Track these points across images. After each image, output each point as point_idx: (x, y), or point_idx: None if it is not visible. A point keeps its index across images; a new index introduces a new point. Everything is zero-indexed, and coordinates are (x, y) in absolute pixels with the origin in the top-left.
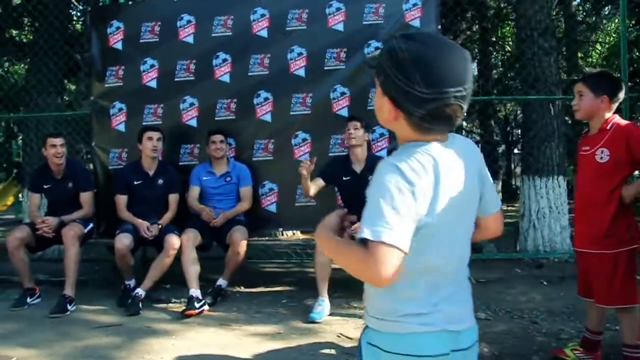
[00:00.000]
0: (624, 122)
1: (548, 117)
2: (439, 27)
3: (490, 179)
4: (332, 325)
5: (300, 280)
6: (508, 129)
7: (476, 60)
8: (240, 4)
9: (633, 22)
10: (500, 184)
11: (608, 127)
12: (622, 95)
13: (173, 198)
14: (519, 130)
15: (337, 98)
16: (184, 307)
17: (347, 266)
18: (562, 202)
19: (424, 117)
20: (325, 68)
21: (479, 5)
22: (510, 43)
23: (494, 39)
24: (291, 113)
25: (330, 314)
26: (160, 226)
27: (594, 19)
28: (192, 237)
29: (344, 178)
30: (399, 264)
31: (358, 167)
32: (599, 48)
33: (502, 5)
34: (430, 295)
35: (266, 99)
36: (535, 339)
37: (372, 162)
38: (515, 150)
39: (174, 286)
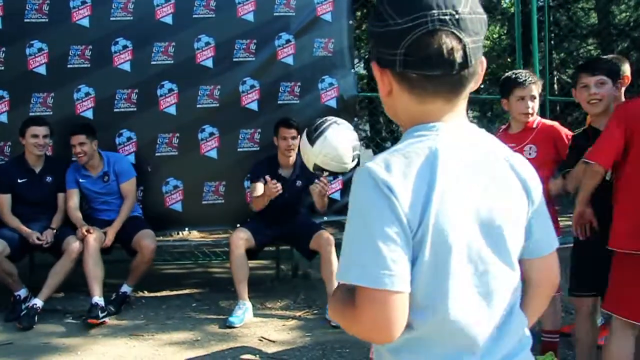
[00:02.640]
0: (548, 121)
1: None
2: (351, 22)
3: (545, 207)
4: (250, 327)
5: (206, 281)
6: (393, 126)
7: None
8: None
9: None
10: None
11: (534, 126)
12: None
13: (62, 197)
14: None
15: (246, 91)
16: (84, 318)
17: (344, 326)
18: None
19: (408, 62)
20: (234, 59)
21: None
22: None
23: None
24: (198, 106)
25: None
26: (54, 231)
27: None
28: (98, 237)
29: None
30: (406, 311)
31: (286, 172)
32: None
33: None
34: None
35: (170, 90)
36: None
37: (301, 166)
38: None
39: (70, 294)
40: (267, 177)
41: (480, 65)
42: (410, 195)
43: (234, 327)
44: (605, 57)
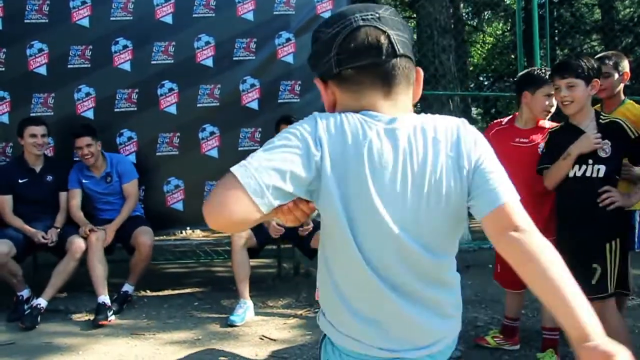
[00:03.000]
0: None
1: (446, 112)
2: None
3: (494, 167)
4: (251, 326)
5: (208, 280)
6: None
7: None
8: None
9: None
10: None
11: (546, 126)
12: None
13: (64, 196)
14: None
15: (246, 90)
16: (87, 317)
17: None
18: None
19: (341, 60)
20: (235, 58)
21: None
22: None
23: None
24: (198, 105)
25: None
26: (59, 230)
27: (476, 21)
28: (101, 236)
29: None
30: (245, 217)
31: None
32: (480, 49)
33: (397, 4)
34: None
35: (171, 89)
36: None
37: None
38: None
39: (72, 294)
40: (274, 223)
41: (416, 72)
42: (329, 160)
43: (235, 326)
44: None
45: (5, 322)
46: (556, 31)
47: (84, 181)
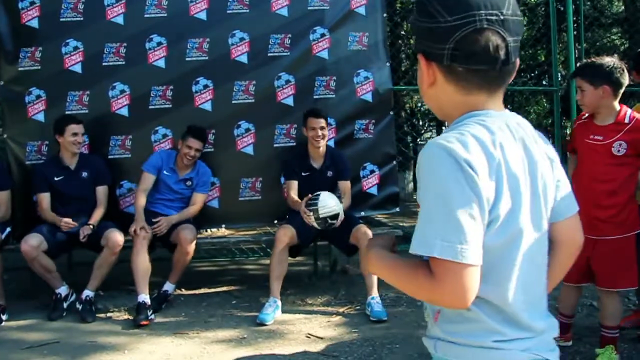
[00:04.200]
0: None
1: None
2: (385, 14)
3: (563, 174)
4: (295, 324)
5: (242, 278)
6: (414, 120)
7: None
8: None
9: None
10: (412, 173)
11: (626, 121)
12: (625, 80)
13: (102, 191)
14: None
15: (282, 86)
16: (127, 316)
17: (407, 290)
18: None
19: (455, 56)
20: (269, 54)
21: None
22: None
23: (402, 32)
24: (233, 102)
25: (286, 312)
26: (92, 227)
27: None
28: (148, 235)
29: (303, 174)
30: (474, 279)
31: (317, 163)
32: None
33: (409, 0)
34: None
35: (206, 86)
36: None
37: (331, 157)
38: (419, 141)
39: (110, 292)
40: (303, 206)
41: (516, 65)
42: (487, 176)
43: (265, 325)
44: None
45: (47, 320)
46: (575, 25)
47: (164, 172)
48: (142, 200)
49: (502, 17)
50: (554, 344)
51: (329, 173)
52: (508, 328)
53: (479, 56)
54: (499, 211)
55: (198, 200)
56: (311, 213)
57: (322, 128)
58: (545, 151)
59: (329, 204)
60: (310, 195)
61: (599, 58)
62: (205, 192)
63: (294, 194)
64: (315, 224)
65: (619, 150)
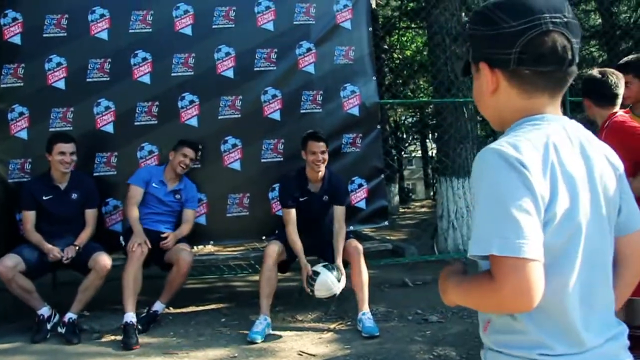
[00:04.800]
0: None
1: (462, 119)
2: (371, 28)
3: (629, 187)
4: (286, 342)
5: (230, 295)
6: (398, 133)
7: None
8: None
9: None
10: (397, 187)
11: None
12: None
13: (91, 214)
14: (406, 134)
15: (268, 101)
16: (113, 337)
17: (478, 304)
18: None
19: (523, 59)
20: (255, 69)
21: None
22: (398, 50)
23: (385, 46)
24: (219, 117)
25: (277, 329)
26: (77, 248)
27: None
28: (145, 251)
29: (300, 199)
30: (537, 276)
31: (315, 187)
32: None
33: (392, 15)
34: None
35: (192, 101)
36: None
37: (329, 181)
38: (403, 154)
39: (95, 313)
40: (305, 270)
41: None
42: (540, 174)
43: (255, 343)
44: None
45: (30, 343)
46: None
47: (153, 185)
48: (135, 213)
49: (565, 20)
50: (618, 356)
51: (325, 197)
52: (557, 341)
53: (547, 57)
54: (556, 210)
55: (189, 217)
56: (309, 288)
57: (322, 152)
58: (606, 155)
59: (326, 286)
60: (310, 273)
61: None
62: (195, 208)
63: (293, 229)
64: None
65: None
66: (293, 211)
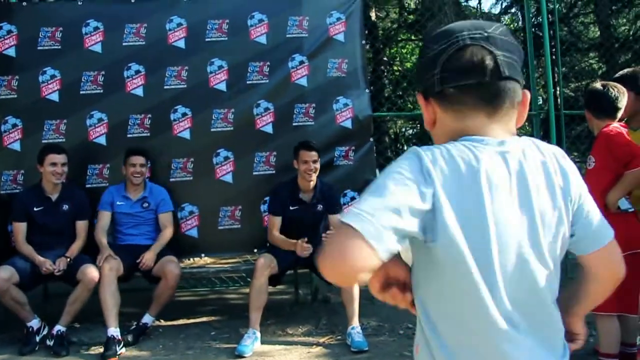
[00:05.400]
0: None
1: None
2: (364, 41)
3: (592, 203)
4: (274, 356)
5: (222, 308)
6: (398, 145)
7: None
8: (154, 11)
9: None
10: None
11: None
12: None
13: (81, 225)
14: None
15: (260, 114)
16: (102, 350)
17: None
18: None
19: (445, 78)
20: (248, 82)
21: (370, 27)
22: (398, 62)
23: (384, 58)
24: (212, 129)
25: (266, 343)
26: (68, 259)
27: None
28: (115, 266)
29: (291, 208)
30: (365, 264)
31: (306, 197)
32: None
33: (392, 27)
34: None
35: (184, 114)
36: None
37: (321, 191)
38: None
39: (85, 325)
40: (300, 242)
41: (522, 95)
42: (442, 191)
43: (243, 357)
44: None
45: (18, 355)
46: (553, 49)
47: (117, 203)
48: (100, 236)
49: (486, 34)
50: None
51: (319, 207)
52: None
53: (466, 70)
54: (446, 220)
55: (166, 221)
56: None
57: (314, 161)
58: (560, 185)
59: None
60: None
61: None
62: (170, 210)
63: (277, 232)
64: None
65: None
66: (279, 219)
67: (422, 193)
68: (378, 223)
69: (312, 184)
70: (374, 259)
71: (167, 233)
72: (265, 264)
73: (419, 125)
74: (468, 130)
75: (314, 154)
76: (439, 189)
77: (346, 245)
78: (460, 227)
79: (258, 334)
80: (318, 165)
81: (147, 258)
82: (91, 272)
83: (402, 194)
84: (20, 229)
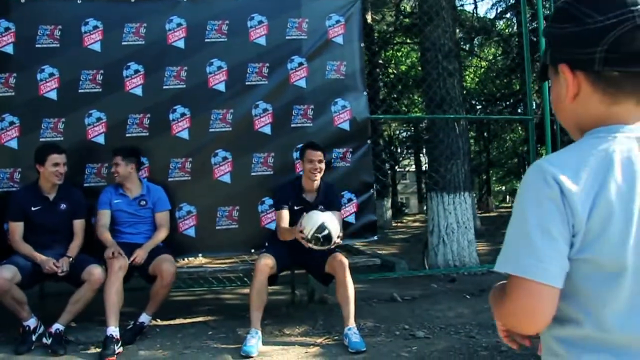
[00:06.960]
0: None
1: (453, 135)
2: (363, 44)
3: None
4: (272, 356)
5: (219, 308)
6: (392, 147)
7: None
8: (154, 11)
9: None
10: (390, 201)
11: None
12: None
13: (79, 225)
14: (402, 149)
15: (259, 115)
16: (99, 349)
17: (496, 314)
18: (469, 217)
19: (610, 59)
20: (247, 83)
21: (367, 30)
22: (393, 65)
23: (380, 61)
24: (210, 130)
25: (264, 343)
26: (70, 259)
27: (467, 46)
28: (124, 265)
29: (295, 208)
30: (546, 302)
31: (310, 196)
32: (472, 73)
33: (387, 30)
34: None
35: (183, 114)
36: (480, 353)
37: (325, 191)
38: (397, 168)
39: (83, 324)
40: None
41: None
42: (580, 193)
43: (250, 357)
44: None
45: (14, 354)
46: None
47: (115, 201)
48: (104, 234)
49: None
50: None
51: (321, 208)
52: None
53: (639, 57)
54: (593, 225)
55: (161, 220)
56: (304, 240)
57: (320, 161)
58: None
59: (312, 220)
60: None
61: None
62: (166, 209)
63: (285, 224)
64: (314, 247)
65: None
66: (286, 212)
67: (562, 211)
68: (542, 262)
69: (316, 184)
70: (556, 293)
71: (162, 234)
72: (266, 264)
73: (413, 128)
74: (611, 118)
75: (319, 154)
76: (584, 202)
77: (523, 298)
78: (617, 239)
79: (260, 334)
80: (323, 166)
81: (139, 255)
82: (98, 272)
83: (549, 221)
84: (17, 228)
